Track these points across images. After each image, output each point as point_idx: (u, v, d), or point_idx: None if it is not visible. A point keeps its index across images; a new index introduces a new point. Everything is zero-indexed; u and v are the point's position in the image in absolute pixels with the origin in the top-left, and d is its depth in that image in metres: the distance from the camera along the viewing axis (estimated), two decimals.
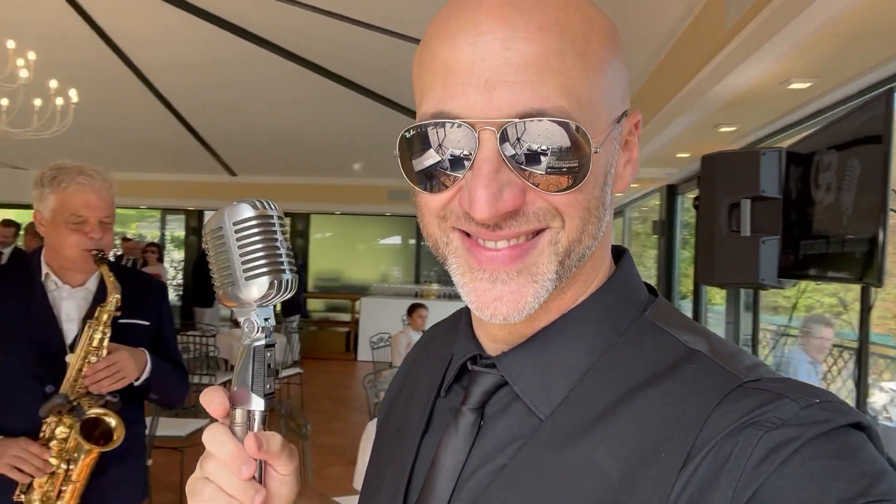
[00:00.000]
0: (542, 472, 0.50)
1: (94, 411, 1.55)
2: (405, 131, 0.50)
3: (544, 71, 0.46)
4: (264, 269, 0.56)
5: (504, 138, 0.45)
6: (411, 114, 8.11)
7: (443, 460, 0.56)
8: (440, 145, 0.48)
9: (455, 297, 9.83)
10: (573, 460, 0.48)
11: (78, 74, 6.87)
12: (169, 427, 4.09)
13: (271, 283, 0.57)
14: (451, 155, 0.48)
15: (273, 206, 0.60)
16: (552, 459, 0.49)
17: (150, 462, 3.44)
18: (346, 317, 10.58)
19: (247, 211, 0.57)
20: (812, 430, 0.42)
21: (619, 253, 0.61)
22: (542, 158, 0.46)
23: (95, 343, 1.57)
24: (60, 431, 1.56)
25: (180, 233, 11.90)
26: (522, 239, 0.49)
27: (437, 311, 8.78)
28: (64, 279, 1.68)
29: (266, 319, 0.59)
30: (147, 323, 1.75)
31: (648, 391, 0.49)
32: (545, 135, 0.46)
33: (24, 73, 5.38)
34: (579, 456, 0.48)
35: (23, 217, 11.87)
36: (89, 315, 1.64)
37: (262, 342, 0.59)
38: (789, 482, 0.41)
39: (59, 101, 5.99)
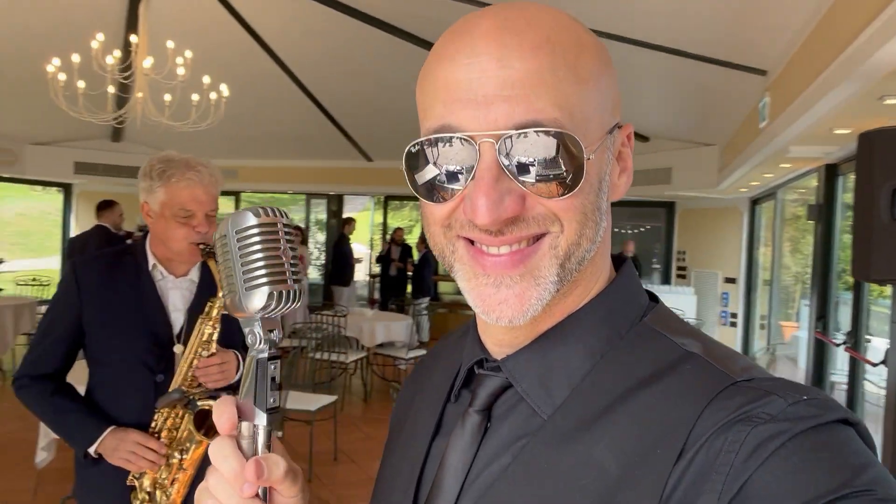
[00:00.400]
0: (543, 469, 0.52)
1: (206, 403, 1.60)
2: (410, 146, 0.52)
3: (538, 85, 0.49)
4: (265, 280, 0.54)
5: (503, 149, 0.49)
6: None
7: (450, 460, 0.59)
8: (443, 158, 0.51)
9: None
10: (574, 458, 0.51)
11: (229, 70, 7.43)
12: (300, 401, 4.35)
13: (270, 294, 0.54)
14: (453, 167, 0.51)
15: (280, 214, 0.57)
16: (554, 457, 0.52)
17: (280, 434, 3.66)
18: None
19: (250, 219, 0.54)
20: (799, 426, 0.44)
21: (620, 261, 0.63)
22: (539, 166, 0.49)
23: (206, 337, 1.62)
24: (172, 422, 1.62)
25: (322, 216, 12.61)
26: (524, 244, 0.52)
27: None
28: (169, 269, 1.72)
29: (271, 331, 0.56)
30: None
31: (645, 391, 0.51)
32: (541, 144, 0.49)
33: (181, 71, 5.90)
34: (580, 453, 0.51)
35: None
36: (195, 306, 1.70)
37: (266, 355, 0.56)
38: (775, 475, 0.42)
39: (213, 95, 6.49)
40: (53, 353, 1.67)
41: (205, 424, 1.61)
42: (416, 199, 0.57)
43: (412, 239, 10.79)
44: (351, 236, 10.05)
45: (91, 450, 1.61)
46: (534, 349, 0.57)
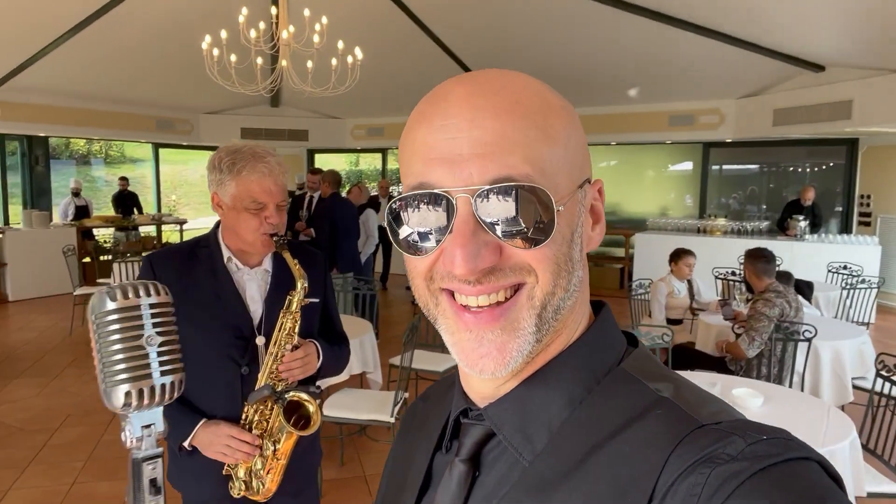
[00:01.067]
0: None
1: (296, 395, 1.62)
2: (392, 202, 0.56)
3: (509, 143, 0.53)
4: (123, 376, 0.47)
5: (478, 203, 0.52)
6: (693, 27, 7.23)
7: None
8: (423, 213, 0.54)
9: (745, 233, 8.72)
10: None
11: (364, 33, 7.55)
12: (428, 361, 4.44)
13: (128, 393, 0.48)
14: (432, 221, 0.54)
15: (151, 291, 0.50)
16: None
17: (406, 395, 3.77)
18: (621, 252, 10.21)
19: (106, 303, 0.48)
20: (758, 464, 0.45)
21: (599, 306, 0.64)
22: (513, 219, 0.52)
23: (287, 330, 1.64)
24: (262, 414, 1.65)
25: None
26: (502, 295, 0.54)
27: (724, 249, 7.77)
28: (243, 261, 1.71)
29: (146, 427, 0.50)
30: (318, 300, 1.78)
31: (619, 438, 0.52)
32: (513, 198, 0.52)
33: (316, 38, 6.08)
34: (559, 502, 0.52)
35: (328, 163, 13.78)
36: (271, 296, 1.71)
37: (141, 455, 0.50)
38: None
39: (349, 59, 6.63)
40: None
41: (295, 415, 1.64)
42: None
43: None
44: None
45: (185, 443, 1.64)
46: (514, 397, 0.58)
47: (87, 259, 9.43)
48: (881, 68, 7.24)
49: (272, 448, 1.64)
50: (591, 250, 0.62)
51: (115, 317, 0.48)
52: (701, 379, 3.02)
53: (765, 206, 10.54)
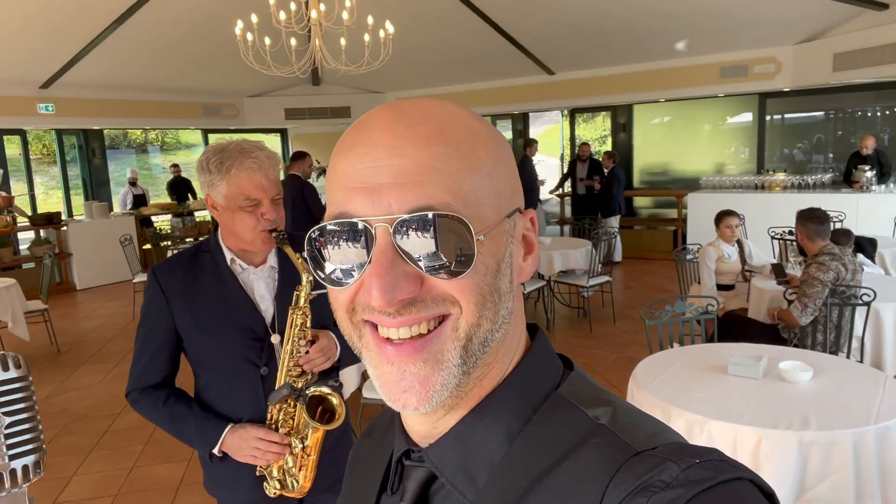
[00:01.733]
0: None
1: (317, 389, 1.60)
2: (311, 232, 0.55)
3: (430, 172, 0.52)
4: None
5: (397, 233, 0.51)
6: None
7: None
8: (342, 244, 0.53)
9: (806, 188, 8.26)
10: None
11: (392, 5, 7.42)
12: None
13: None
14: (352, 252, 0.53)
15: (4, 367, 0.46)
16: None
17: None
18: (673, 213, 9.86)
19: None
20: (692, 490, 0.45)
21: (533, 330, 0.64)
22: (433, 249, 0.51)
23: (299, 326, 1.61)
24: (286, 413, 1.64)
25: (508, 135, 12.42)
26: (424, 327, 0.53)
27: (784, 206, 7.39)
28: (247, 261, 1.68)
29: None
30: (325, 290, 1.75)
31: (558, 470, 0.52)
32: (433, 227, 0.51)
33: (345, 16, 6.01)
34: None
35: None
36: (281, 293, 1.68)
37: None
38: None
39: (381, 34, 6.54)
40: (155, 364, 1.71)
41: (318, 409, 1.62)
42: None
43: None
44: (537, 155, 9.77)
45: (214, 450, 1.64)
46: (453, 436, 0.57)
47: (147, 246, 9.79)
48: None
49: (300, 445, 1.64)
50: (524, 280, 0.60)
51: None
52: (747, 351, 2.88)
53: (832, 156, 9.95)
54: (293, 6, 6.28)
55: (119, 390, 5.06)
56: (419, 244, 0.51)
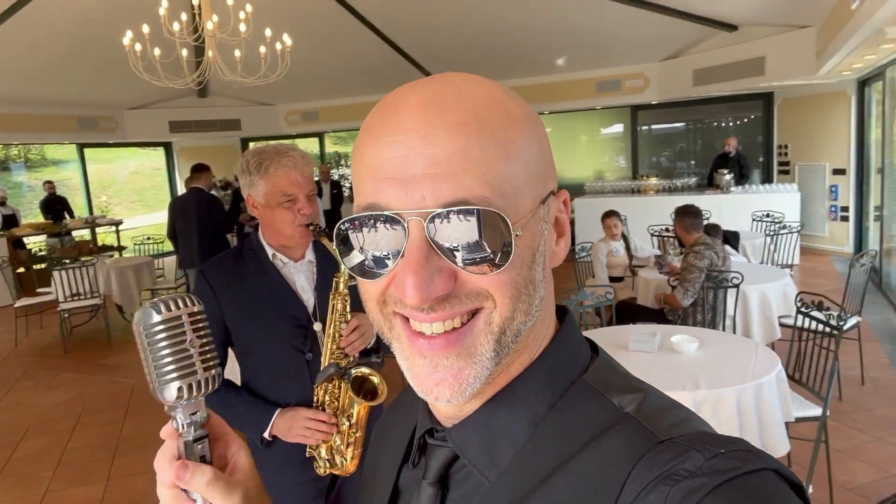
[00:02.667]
0: None
1: (358, 371, 1.69)
2: (340, 223, 0.53)
3: (465, 162, 0.49)
4: (173, 375, 0.58)
5: (431, 227, 0.49)
6: None
7: None
8: (373, 236, 0.51)
9: (675, 190, 9.13)
10: None
11: (291, 18, 7.46)
12: None
13: (180, 388, 0.58)
14: (384, 245, 0.51)
15: (186, 303, 0.60)
16: None
17: None
18: None
19: (153, 316, 0.58)
20: (716, 479, 0.44)
21: (562, 314, 0.63)
22: (468, 244, 0.49)
23: (339, 311, 1.71)
24: (332, 394, 1.72)
25: None
26: (458, 321, 0.52)
27: (659, 206, 8.08)
28: (287, 255, 1.80)
29: (193, 414, 0.61)
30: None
31: (580, 457, 0.51)
32: (469, 222, 0.49)
33: (242, 27, 5.99)
34: None
35: None
36: (320, 284, 1.79)
37: (191, 437, 0.61)
38: None
39: (278, 46, 6.56)
40: None
41: (362, 389, 1.71)
42: None
43: None
44: None
45: (265, 434, 1.72)
46: (478, 418, 0.57)
47: (22, 269, 9.07)
48: (789, 25, 7.66)
49: (347, 423, 1.72)
50: (557, 265, 0.60)
51: (161, 327, 0.58)
52: (643, 330, 3.27)
53: (693, 162, 11.03)
54: (184, 16, 6.17)
55: (16, 418, 4.75)
56: (454, 239, 0.49)
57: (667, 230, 6.35)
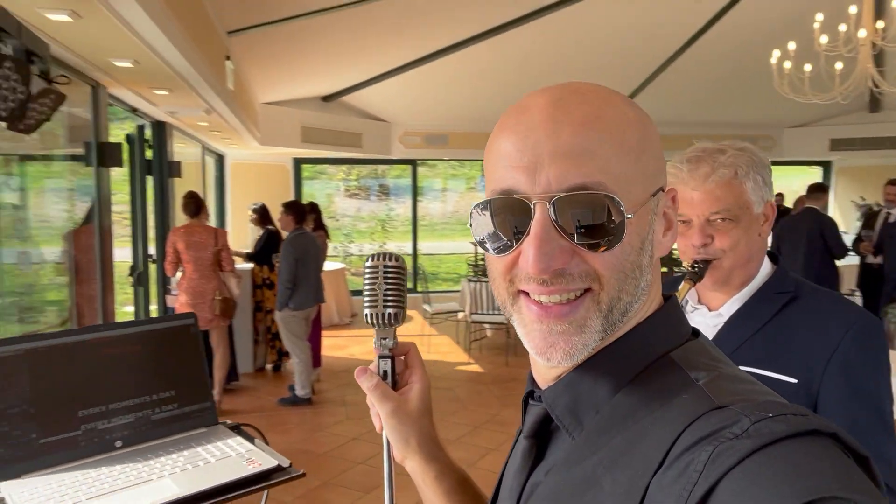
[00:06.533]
0: (561, 488, 0.61)
1: None
2: (475, 206, 0.63)
3: (585, 153, 0.57)
4: (367, 305, 0.84)
5: (553, 209, 0.57)
6: None
7: (505, 484, 0.72)
8: (504, 216, 0.61)
9: None
10: (582, 476, 0.59)
11: None
12: None
13: (366, 315, 0.84)
14: (513, 224, 0.60)
15: (387, 258, 0.84)
16: (568, 477, 0.61)
17: None
18: None
19: (366, 262, 0.86)
20: (758, 441, 0.47)
21: (668, 300, 0.68)
22: (585, 225, 0.57)
23: None
24: None
25: None
26: (572, 295, 0.60)
27: None
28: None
29: (384, 339, 0.85)
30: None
31: (646, 419, 0.57)
32: (587, 205, 0.57)
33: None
34: (587, 472, 0.58)
35: None
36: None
37: (378, 354, 0.86)
38: (733, 490, 0.46)
39: None
40: None
41: None
42: None
43: None
44: None
45: None
46: (567, 381, 0.64)
47: None
48: None
49: None
50: (663, 255, 0.65)
51: (367, 271, 0.84)
52: None
53: None
54: (842, 27, 5.78)
55: None
56: (574, 220, 0.57)
57: None
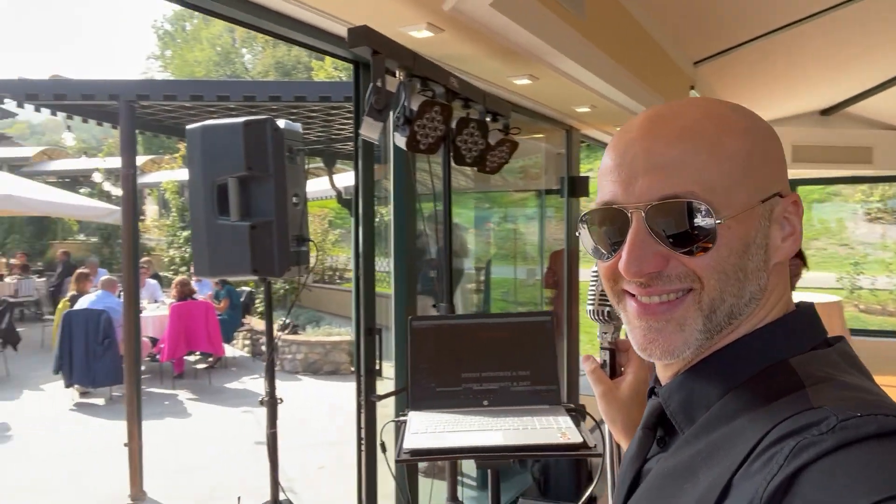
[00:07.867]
0: (664, 476, 0.64)
1: None
2: (583, 215, 0.70)
3: (679, 165, 0.61)
4: (588, 302, 1.03)
5: (648, 217, 0.62)
6: None
7: (622, 470, 0.77)
8: (606, 225, 0.67)
9: None
10: (683, 467, 0.62)
11: None
12: None
13: (589, 311, 1.02)
14: (612, 231, 0.66)
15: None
16: (672, 467, 0.64)
17: None
18: None
19: (593, 266, 1.04)
20: (844, 437, 0.47)
21: (804, 308, 0.67)
22: (678, 231, 0.61)
23: None
24: None
25: None
26: (672, 296, 0.64)
27: None
28: None
29: (604, 333, 0.99)
30: None
31: (744, 417, 0.58)
32: (678, 212, 0.61)
33: None
34: (687, 463, 0.61)
35: None
36: None
37: (603, 346, 1.02)
38: (812, 483, 0.46)
39: None
40: None
41: None
42: None
43: None
44: None
45: None
46: (681, 381, 0.67)
47: None
48: None
49: None
50: (782, 259, 0.64)
51: (592, 276, 1.00)
52: None
53: None
54: None
55: None
56: (666, 227, 0.60)
57: None
